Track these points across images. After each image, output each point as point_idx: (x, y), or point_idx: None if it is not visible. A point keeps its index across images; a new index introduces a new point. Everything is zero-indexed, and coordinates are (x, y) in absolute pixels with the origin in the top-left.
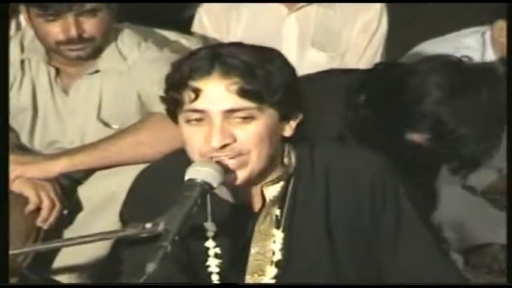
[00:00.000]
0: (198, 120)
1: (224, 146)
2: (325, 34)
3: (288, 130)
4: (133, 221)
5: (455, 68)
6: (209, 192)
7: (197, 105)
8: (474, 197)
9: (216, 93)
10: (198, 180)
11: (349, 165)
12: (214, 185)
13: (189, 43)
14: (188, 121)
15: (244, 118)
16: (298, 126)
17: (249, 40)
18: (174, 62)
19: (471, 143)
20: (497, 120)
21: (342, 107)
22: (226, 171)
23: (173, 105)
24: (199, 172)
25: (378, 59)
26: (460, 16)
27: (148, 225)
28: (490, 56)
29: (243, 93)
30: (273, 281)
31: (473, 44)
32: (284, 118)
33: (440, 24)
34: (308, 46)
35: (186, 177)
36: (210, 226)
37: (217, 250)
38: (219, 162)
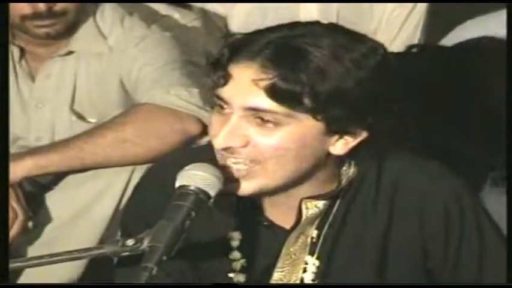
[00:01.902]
0: (221, 108)
1: (226, 149)
2: (353, 8)
3: (339, 148)
4: (130, 227)
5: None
6: (206, 204)
7: (223, 92)
8: None
9: (245, 84)
10: (192, 188)
11: (420, 184)
12: (212, 193)
13: (184, 18)
14: (213, 107)
15: (267, 122)
16: (358, 145)
17: (259, 15)
18: (226, 36)
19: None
20: None
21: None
22: (230, 177)
23: (210, 86)
24: (192, 177)
25: (416, 40)
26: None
27: (130, 242)
28: None
29: (273, 92)
30: None
31: (496, 32)
32: (335, 132)
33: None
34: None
35: (177, 184)
36: (235, 235)
37: (243, 262)
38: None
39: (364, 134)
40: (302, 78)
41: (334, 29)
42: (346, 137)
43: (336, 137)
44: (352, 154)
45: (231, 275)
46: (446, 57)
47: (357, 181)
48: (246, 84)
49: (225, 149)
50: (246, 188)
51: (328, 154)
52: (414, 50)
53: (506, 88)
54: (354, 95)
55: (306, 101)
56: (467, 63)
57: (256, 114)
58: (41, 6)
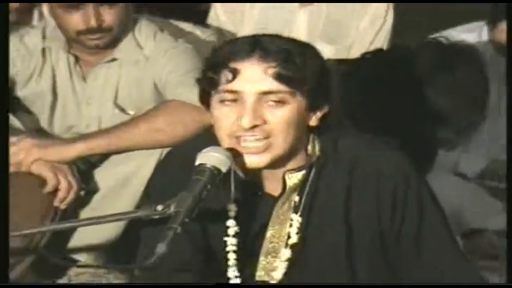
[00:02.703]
0: (232, 100)
1: (254, 127)
2: (334, 28)
3: (314, 120)
4: (158, 197)
5: (438, 49)
6: (218, 177)
7: (233, 85)
8: (467, 183)
9: (253, 74)
10: (208, 165)
11: (376, 165)
12: (223, 170)
13: (203, 34)
14: (222, 101)
15: (277, 102)
16: (323, 117)
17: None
18: (214, 46)
19: (455, 115)
20: (477, 97)
21: (336, 94)
22: (250, 154)
23: (209, 85)
24: (209, 157)
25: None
26: (457, 15)
27: (160, 208)
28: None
29: (278, 77)
30: (285, 263)
31: (472, 39)
32: (311, 108)
33: (439, 22)
34: (317, 39)
35: (197, 162)
36: (232, 207)
37: (237, 229)
38: (234, 150)
39: (326, 108)
40: (296, 65)
41: (285, 37)
42: (317, 112)
43: (312, 112)
44: (316, 129)
45: (225, 238)
46: (394, 59)
47: (321, 157)
48: (257, 74)
49: (252, 127)
50: (263, 160)
51: (305, 128)
52: (368, 56)
53: (506, 89)
54: (325, 80)
55: (302, 83)
56: (411, 63)
57: (267, 97)
58: (93, 23)
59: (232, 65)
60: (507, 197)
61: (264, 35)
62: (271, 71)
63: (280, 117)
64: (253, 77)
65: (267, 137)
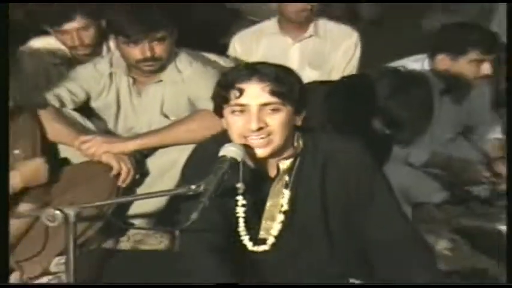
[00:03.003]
0: (240, 111)
1: (259, 129)
2: (318, 58)
3: (299, 121)
4: (191, 179)
5: (395, 75)
6: (235, 165)
7: (241, 100)
8: (414, 170)
9: (254, 92)
10: (228, 156)
11: (345, 156)
12: (238, 159)
13: (225, 63)
14: (233, 112)
15: (273, 110)
16: (304, 119)
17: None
18: (224, 72)
19: (409, 123)
20: (426, 111)
21: (321, 106)
22: (257, 147)
23: (222, 101)
24: (228, 151)
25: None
26: (408, 46)
27: (193, 187)
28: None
29: (272, 92)
30: (280, 225)
31: (417, 68)
32: (296, 112)
33: (395, 53)
34: (306, 66)
35: (220, 154)
36: (240, 186)
37: (244, 201)
38: (245, 144)
39: (304, 112)
40: (284, 83)
41: (275, 64)
42: (301, 115)
43: (297, 115)
44: (300, 128)
45: (237, 208)
46: (363, 82)
47: (304, 149)
48: (257, 92)
49: (258, 129)
50: (266, 152)
51: (293, 127)
52: (344, 79)
53: (506, 89)
54: (303, 92)
55: (289, 96)
56: (376, 84)
57: (266, 107)
58: (148, 54)
59: (238, 85)
60: (507, 197)
61: (259, 63)
62: (266, 88)
63: (277, 121)
64: (255, 93)
65: (268, 135)
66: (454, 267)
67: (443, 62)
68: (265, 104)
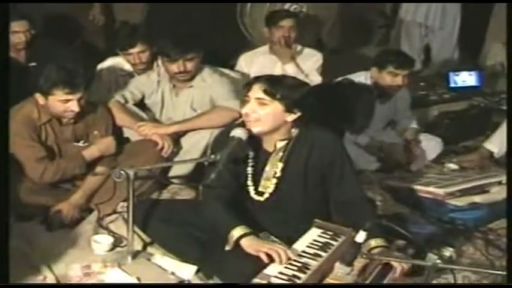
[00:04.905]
0: (246, 102)
1: (254, 111)
2: (298, 73)
3: (289, 118)
4: (217, 151)
5: (350, 84)
6: (242, 142)
7: (249, 94)
8: (358, 148)
9: (255, 90)
10: (236, 136)
11: (324, 141)
12: (244, 138)
13: (235, 75)
14: (243, 103)
15: (264, 104)
16: (298, 118)
17: (259, 74)
18: (255, 77)
19: (359, 120)
20: (367, 111)
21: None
22: (249, 126)
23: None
24: (235, 132)
25: (319, 81)
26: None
27: (212, 156)
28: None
29: (265, 92)
30: (274, 185)
31: (362, 80)
32: (287, 110)
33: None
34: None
35: (230, 135)
36: (251, 154)
37: (252, 164)
38: (247, 127)
39: (298, 113)
40: (279, 89)
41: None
42: (292, 114)
43: (288, 113)
44: (297, 123)
45: (247, 169)
46: (329, 90)
47: (297, 135)
48: (257, 90)
49: (252, 112)
50: (257, 131)
51: (285, 121)
52: (316, 87)
53: (506, 89)
54: (295, 97)
55: (278, 96)
56: (340, 90)
57: (260, 100)
58: (181, 69)
59: (249, 85)
60: (507, 197)
61: (258, 76)
62: (261, 88)
63: (264, 111)
64: (255, 91)
65: (257, 120)
66: (383, 213)
67: (374, 74)
68: (258, 98)
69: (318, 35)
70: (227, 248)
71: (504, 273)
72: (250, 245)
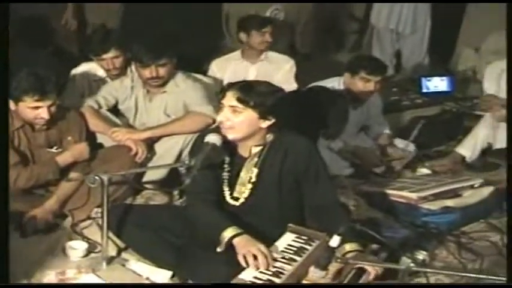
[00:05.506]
0: (220, 109)
1: (227, 119)
2: (268, 76)
3: (264, 124)
4: (189, 157)
5: (324, 90)
6: (215, 147)
7: (223, 101)
8: (332, 153)
9: (229, 98)
10: (210, 142)
11: (298, 147)
12: (218, 144)
13: (207, 80)
14: (218, 110)
15: (238, 111)
16: (273, 124)
17: (232, 79)
18: (228, 83)
19: (332, 125)
20: (340, 117)
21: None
22: (225, 133)
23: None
24: (210, 138)
25: (294, 86)
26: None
27: (187, 162)
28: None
29: (237, 99)
30: (249, 190)
31: (335, 85)
32: (261, 117)
33: (324, 73)
34: None
35: (205, 140)
36: (226, 159)
37: (228, 169)
38: (220, 133)
39: (273, 120)
40: (246, 94)
41: (246, 81)
42: (266, 121)
43: (262, 120)
44: (271, 129)
45: (222, 175)
46: (303, 96)
47: (272, 141)
48: (230, 98)
49: (226, 120)
50: (231, 137)
51: (260, 127)
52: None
53: (506, 89)
54: (269, 103)
55: (251, 103)
56: (312, 96)
57: (233, 108)
58: (154, 74)
59: (223, 94)
60: (507, 197)
61: (232, 83)
62: (235, 96)
63: (238, 119)
64: (229, 99)
65: (231, 128)
66: (357, 218)
67: (347, 80)
68: (232, 106)
69: (291, 40)
70: (219, 249)
71: (504, 279)
72: (244, 244)
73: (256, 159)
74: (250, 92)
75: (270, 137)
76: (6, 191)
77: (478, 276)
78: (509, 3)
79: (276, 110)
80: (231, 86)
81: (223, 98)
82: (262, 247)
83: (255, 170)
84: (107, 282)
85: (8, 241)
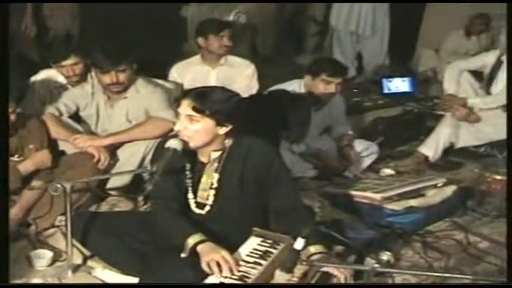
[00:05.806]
0: (178, 118)
1: (184, 128)
2: (229, 80)
3: (221, 131)
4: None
5: (285, 93)
6: (176, 152)
7: (179, 110)
8: (294, 156)
9: (185, 107)
10: (171, 147)
11: (259, 151)
12: (178, 149)
13: (169, 85)
14: (177, 117)
15: (195, 120)
16: (230, 130)
17: (192, 84)
18: (175, 97)
19: (294, 129)
20: (302, 119)
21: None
22: (185, 141)
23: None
24: (170, 143)
25: (255, 90)
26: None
27: (148, 168)
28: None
29: (193, 108)
30: (213, 196)
31: (295, 88)
32: (218, 124)
33: (285, 76)
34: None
35: (165, 146)
36: (187, 166)
37: (190, 176)
38: (181, 139)
39: (230, 126)
40: (201, 103)
41: (204, 87)
42: (223, 127)
43: (219, 127)
44: (230, 134)
45: (186, 181)
46: (264, 100)
47: (231, 145)
48: (186, 107)
49: (184, 129)
50: (190, 145)
51: (217, 134)
52: (249, 97)
53: (506, 89)
54: (225, 110)
55: (207, 112)
56: (275, 99)
57: (190, 117)
58: (114, 80)
59: (179, 102)
60: (507, 197)
61: (187, 91)
62: (190, 105)
63: (196, 128)
64: (185, 108)
65: (189, 137)
66: (321, 219)
67: (308, 82)
68: (188, 115)
69: (252, 43)
70: (182, 255)
71: (470, 277)
72: (207, 252)
73: (216, 164)
74: (205, 101)
75: (229, 142)
76: (7, 191)
77: (444, 275)
78: (509, 3)
79: (232, 116)
80: (186, 94)
81: (178, 106)
82: (226, 254)
83: (216, 176)
84: None
85: (8, 241)
